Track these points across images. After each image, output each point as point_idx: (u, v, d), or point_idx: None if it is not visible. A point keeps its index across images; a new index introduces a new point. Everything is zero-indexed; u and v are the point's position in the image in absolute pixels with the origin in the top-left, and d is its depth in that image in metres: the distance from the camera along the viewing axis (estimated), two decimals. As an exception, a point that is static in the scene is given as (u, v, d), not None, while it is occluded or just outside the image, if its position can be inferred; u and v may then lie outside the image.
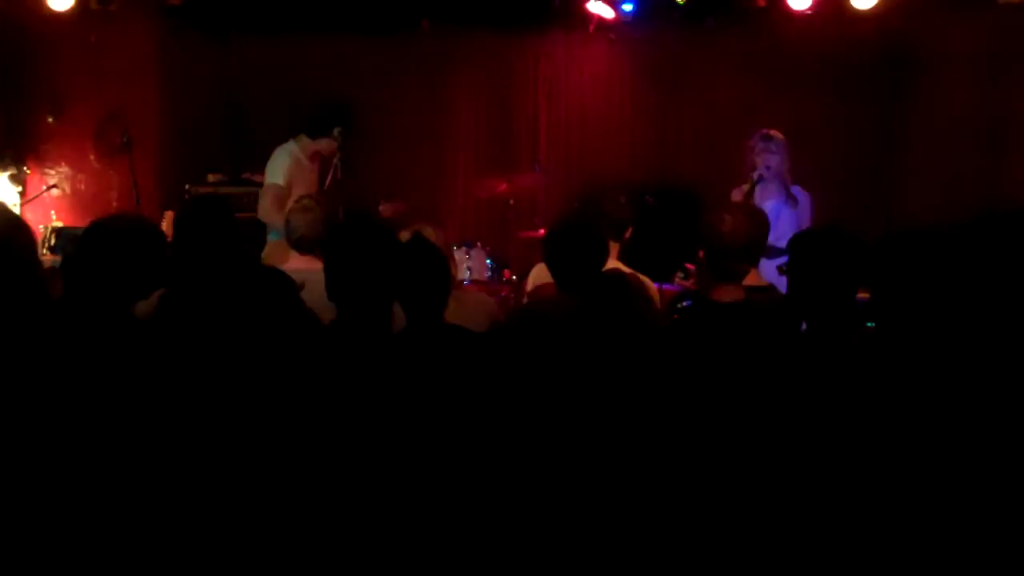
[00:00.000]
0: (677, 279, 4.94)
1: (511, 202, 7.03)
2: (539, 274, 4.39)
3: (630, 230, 4.37)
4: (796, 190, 5.35)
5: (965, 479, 2.45)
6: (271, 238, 5.52)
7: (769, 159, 5.26)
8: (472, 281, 6.33)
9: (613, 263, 3.94)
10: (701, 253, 3.59)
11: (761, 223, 3.79)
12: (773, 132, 5.37)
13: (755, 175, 5.24)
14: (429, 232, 3.95)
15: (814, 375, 2.77)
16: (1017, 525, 2.38)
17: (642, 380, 2.94)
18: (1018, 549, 2.37)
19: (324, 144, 5.61)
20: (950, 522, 2.43)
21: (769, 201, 5.13)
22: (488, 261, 6.59)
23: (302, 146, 5.60)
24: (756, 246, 3.61)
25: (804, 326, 3.02)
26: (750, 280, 3.62)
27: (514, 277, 6.64)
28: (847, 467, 2.55)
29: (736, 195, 5.28)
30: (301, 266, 3.97)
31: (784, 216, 5.18)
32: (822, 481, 2.58)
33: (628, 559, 2.68)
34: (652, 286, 3.99)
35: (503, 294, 6.25)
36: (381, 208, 5.61)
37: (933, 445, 2.50)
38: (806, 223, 5.23)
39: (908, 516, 2.47)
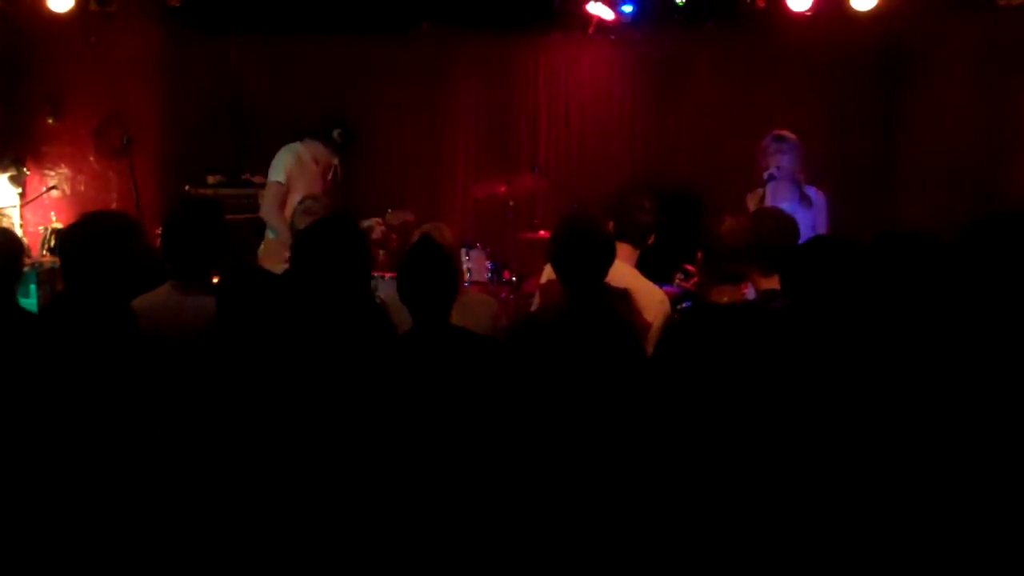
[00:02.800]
0: (677, 280, 4.93)
1: (511, 203, 7.03)
2: (551, 270, 4.38)
3: (653, 237, 4.33)
4: (811, 190, 5.23)
5: (963, 479, 2.46)
6: (269, 236, 5.55)
7: (781, 160, 5.14)
8: (472, 282, 6.33)
9: (630, 269, 3.92)
10: (700, 254, 3.58)
11: (789, 228, 3.74)
12: (785, 132, 5.26)
13: (766, 175, 5.12)
14: (444, 231, 3.96)
15: (810, 375, 2.78)
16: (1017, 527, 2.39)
17: (642, 381, 2.95)
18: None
19: (321, 152, 5.69)
20: (949, 524, 2.43)
21: (782, 203, 5.00)
22: (488, 262, 6.59)
23: (308, 147, 5.68)
24: (768, 250, 3.58)
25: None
26: (774, 284, 3.59)
27: (514, 278, 6.64)
28: (839, 466, 2.56)
29: (750, 199, 5.17)
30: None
31: (799, 218, 5.01)
32: (816, 480, 2.59)
33: (629, 560, 2.68)
34: (657, 290, 3.97)
35: (503, 295, 6.26)
36: (389, 217, 5.65)
37: (927, 446, 2.51)
38: (822, 224, 5.12)
39: (904, 516, 2.48)
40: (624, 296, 3.60)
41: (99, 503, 2.46)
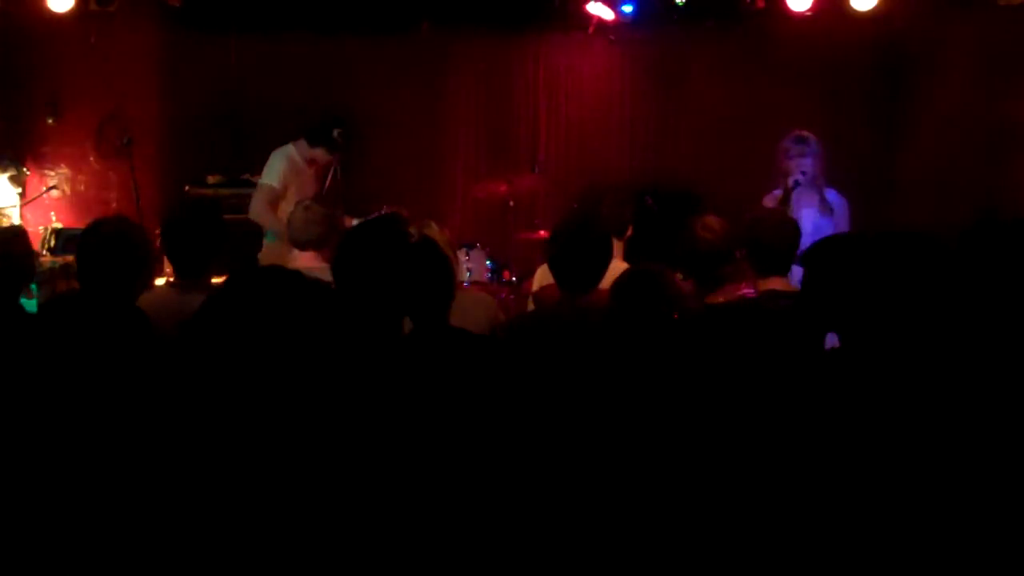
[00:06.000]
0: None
1: (511, 203, 7.03)
2: (544, 275, 4.40)
3: (631, 227, 4.34)
4: (831, 195, 5.02)
5: (962, 478, 2.45)
6: (268, 240, 5.54)
7: (804, 163, 4.90)
8: (472, 282, 6.33)
9: (618, 262, 3.93)
10: (678, 274, 3.56)
11: (788, 229, 3.66)
12: (806, 133, 5.04)
13: (790, 181, 4.85)
14: (434, 229, 3.96)
15: (812, 375, 2.78)
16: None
17: (644, 381, 2.95)
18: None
19: (319, 152, 5.63)
20: (951, 525, 2.43)
21: (806, 209, 4.79)
22: (488, 262, 6.59)
23: (300, 150, 5.62)
24: (759, 250, 3.55)
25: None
26: (778, 286, 3.57)
27: (514, 278, 6.64)
28: (840, 467, 2.56)
29: (769, 202, 4.94)
30: (302, 265, 4.00)
31: (823, 227, 4.79)
32: (812, 482, 2.58)
33: (631, 561, 2.68)
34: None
35: (503, 295, 6.25)
36: None
37: (929, 447, 2.51)
38: (844, 231, 4.81)
39: (904, 517, 2.47)
40: None
41: (100, 504, 2.47)
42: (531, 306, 4.29)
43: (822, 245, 3.11)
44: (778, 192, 4.93)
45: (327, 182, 5.86)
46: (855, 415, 2.60)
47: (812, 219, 4.82)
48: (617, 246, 4.25)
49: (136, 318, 3.01)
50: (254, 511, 2.29)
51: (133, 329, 2.92)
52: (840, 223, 4.97)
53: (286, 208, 5.24)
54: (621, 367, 2.96)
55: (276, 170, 5.58)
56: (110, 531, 2.42)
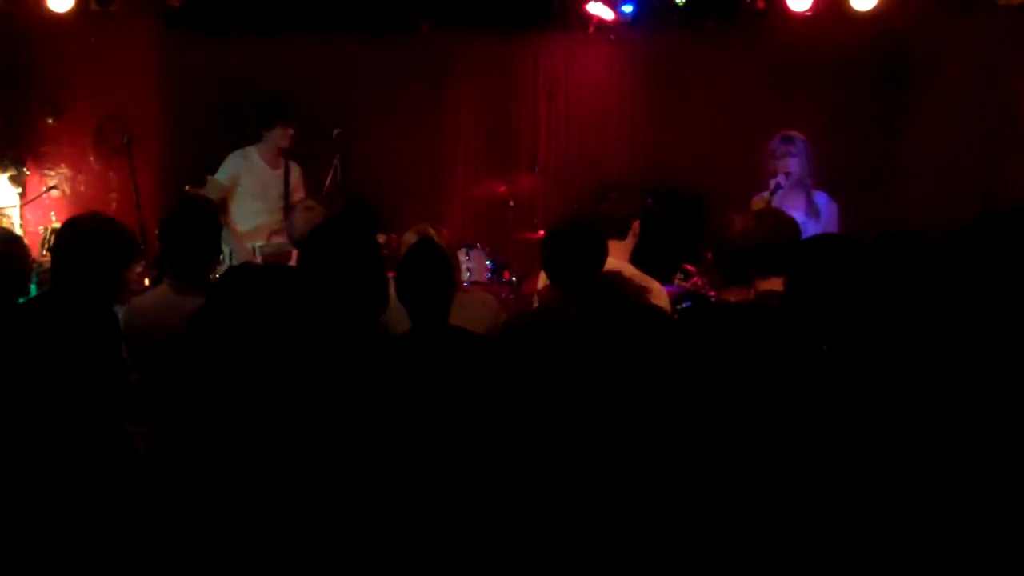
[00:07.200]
0: (676, 280, 4.91)
1: (511, 203, 7.03)
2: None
3: (636, 226, 4.30)
4: (821, 197, 4.97)
5: (961, 477, 2.45)
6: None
7: (790, 163, 4.89)
8: (472, 282, 6.33)
9: (623, 264, 3.91)
10: (709, 255, 3.56)
11: (788, 228, 3.63)
12: (794, 133, 5.01)
13: (773, 183, 4.85)
14: (440, 231, 3.96)
15: (812, 373, 2.78)
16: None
17: (645, 381, 2.94)
18: None
19: (276, 135, 5.82)
20: (949, 529, 2.43)
21: (792, 212, 4.53)
22: (488, 262, 6.58)
23: (260, 150, 5.77)
24: (768, 250, 3.55)
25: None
26: (777, 286, 3.55)
27: (514, 278, 6.63)
28: (840, 467, 2.55)
29: (757, 203, 4.94)
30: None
31: (808, 230, 4.63)
32: (817, 480, 2.58)
33: (628, 561, 2.68)
34: (655, 283, 3.97)
35: (503, 295, 6.25)
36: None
37: (928, 445, 2.51)
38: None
39: (902, 520, 2.47)
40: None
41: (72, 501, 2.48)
42: (536, 303, 4.28)
43: (804, 248, 3.11)
44: (766, 193, 4.92)
45: (328, 183, 5.86)
46: (847, 416, 2.60)
47: (800, 225, 4.75)
48: (623, 248, 4.20)
49: (105, 317, 3.03)
50: (251, 509, 2.29)
51: (101, 328, 2.93)
52: (827, 227, 4.91)
53: (241, 208, 5.32)
54: (600, 367, 2.95)
55: (226, 167, 5.85)
56: (78, 526, 2.42)
